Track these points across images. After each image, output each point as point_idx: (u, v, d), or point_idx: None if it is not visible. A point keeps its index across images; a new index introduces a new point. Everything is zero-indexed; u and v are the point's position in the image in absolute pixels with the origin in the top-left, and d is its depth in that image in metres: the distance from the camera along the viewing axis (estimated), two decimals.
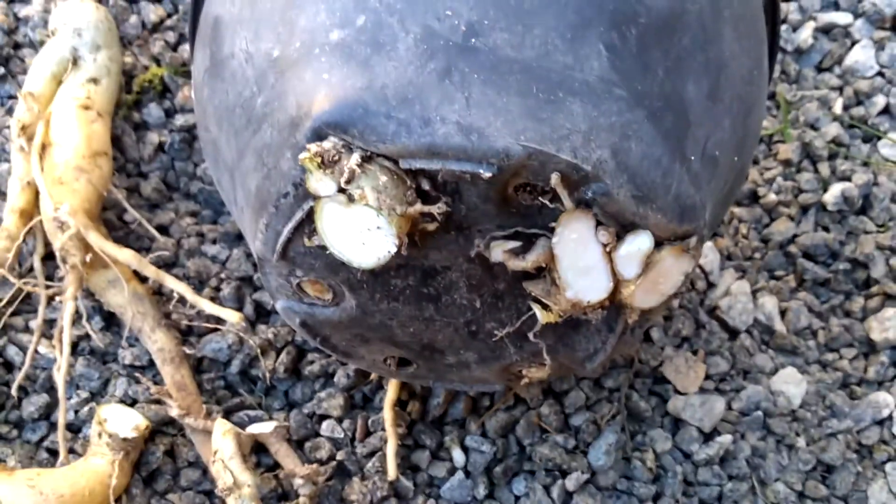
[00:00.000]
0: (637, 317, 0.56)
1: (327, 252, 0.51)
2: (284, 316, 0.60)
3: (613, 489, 0.79)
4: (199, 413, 0.77)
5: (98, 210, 0.82)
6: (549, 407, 0.80)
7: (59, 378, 0.76)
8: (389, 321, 0.59)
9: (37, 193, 0.81)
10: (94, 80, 0.86)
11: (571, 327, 0.59)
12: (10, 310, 0.82)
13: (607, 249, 0.50)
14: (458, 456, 0.79)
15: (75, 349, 0.82)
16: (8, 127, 0.90)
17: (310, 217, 0.50)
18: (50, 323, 0.82)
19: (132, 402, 0.80)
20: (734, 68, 0.55)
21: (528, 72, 0.47)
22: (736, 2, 0.56)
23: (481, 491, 0.78)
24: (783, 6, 1.02)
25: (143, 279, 0.82)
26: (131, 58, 0.94)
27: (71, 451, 0.79)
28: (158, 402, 0.80)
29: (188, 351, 0.81)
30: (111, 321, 0.84)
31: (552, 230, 0.50)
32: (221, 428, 0.72)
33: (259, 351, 0.81)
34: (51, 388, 0.81)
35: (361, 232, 0.49)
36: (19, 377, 0.79)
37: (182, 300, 0.79)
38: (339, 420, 0.81)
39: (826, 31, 1.00)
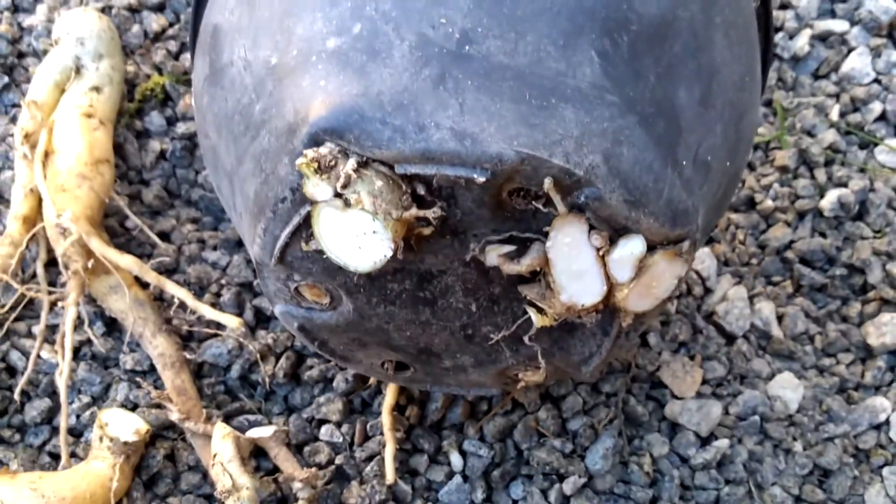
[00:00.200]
0: (631, 320, 0.56)
1: (324, 256, 0.52)
2: (283, 320, 0.61)
3: (611, 493, 0.79)
4: (200, 417, 0.78)
5: (100, 217, 0.83)
6: (546, 411, 0.81)
7: (61, 383, 0.77)
8: (386, 325, 0.60)
9: (40, 200, 0.82)
10: (97, 89, 0.87)
11: (567, 331, 0.59)
12: (14, 315, 0.83)
13: (600, 253, 0.51)
14: (456, 460, 0.80)
15: (77, 354, 0.83)
16: (12, 135, 0.91)
17: (307, 222, 0.51)
18: (52, 328, 0.83)
19: (133, 407, 0.81)
20: (726, 74, 0.55)
21: (521, 78, 0.48)
22: (727, 8, 0.56)
23: (479, 495, 0.79)
24: (780, 14, 1.03)
25: (144, 285, 0.83)
26: (133, 66, 0.96)
27: (73, 454, 0.79)
28: (159, 406, 0.80)
29: (189, 356, 0.81)
30: (113, 326, 0.85)
31: (546, 234, 0.51)
32: (221, 431, 0.73)
33: (259, 356, 0.81)
34: (53, 393, 0.82)
35: (358, 236, 0.50)
36: (22, 382, 0.79)
37: (183, 306, 0.80)
38: (338, 424, 0.81)
39: (822, 38, 1.01)
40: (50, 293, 0.81)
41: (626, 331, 0.58)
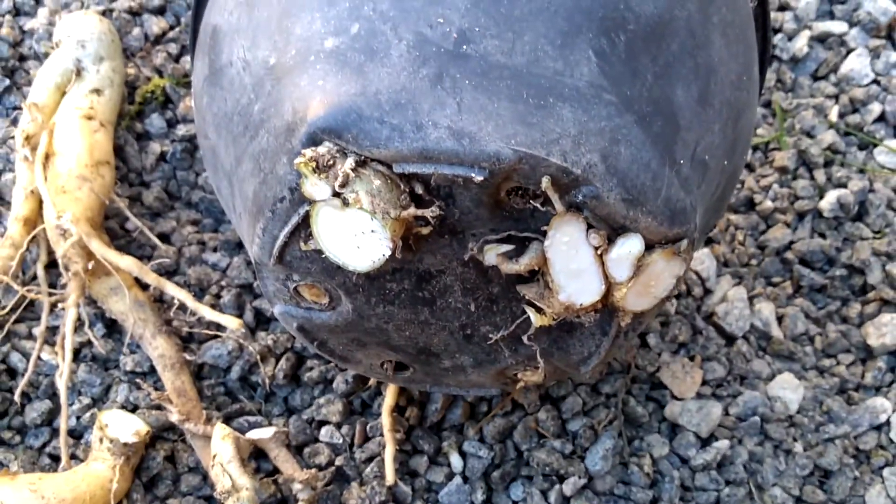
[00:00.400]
0: (630, 320, 0.56)
1: (323, 256, 0.52)
2: (282, 320, 0.61)
3: (611, 494, 0.79)
4: (200, 419, 0.78)
5: (100, 218, 0.83)
6: (546, 412, 0.81)
7: (62, 384, 0.77)
8: (385, 325, 0.60)
9: (40, 202, 0.82)
10: (97, 91, 0.88)
11: (565, 331, 0.59)
12: (14, 317, 0.83)
13: (598, 252, 0.51)
14: (455, 461, 0.80)
15: (77, 356, 0.83)
16: (13, 137, 0.91)
17: (305, 221, 0.51)
18: (52, 330, 0.83)
19: (133, 408, 0.81)
20: (723, 73, 0.56)
21: (519, 77, 0.48)
22: (724, 8, 0.56)
23: (479, 496, 0.79)
24: (778, 15, 1.03)
25: (144, 286, 0.83)
26: (134, 69, 0.96)
27: (73, 456, 0.79)
28: (159, 407, 0.80)
29: (189, 357, 0.81)
30: (113, 328, 0.85)
31: (544, 233, 0.51)
32: (220, 432, 0.73)
33: (259, 357, 0.81)
34: (53, 395, 0.82)
35: (356, 235, 0.50)
36: (22, 383, 0.79)
37: (183, 307, 0.80)
38: (338, 426, 0.81)
39: (821, 39, 1.01)
40: (50, 295, 0.81)
41: (624, 330, 0.58)
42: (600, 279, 0.52)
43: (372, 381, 0.82)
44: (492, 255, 0.53)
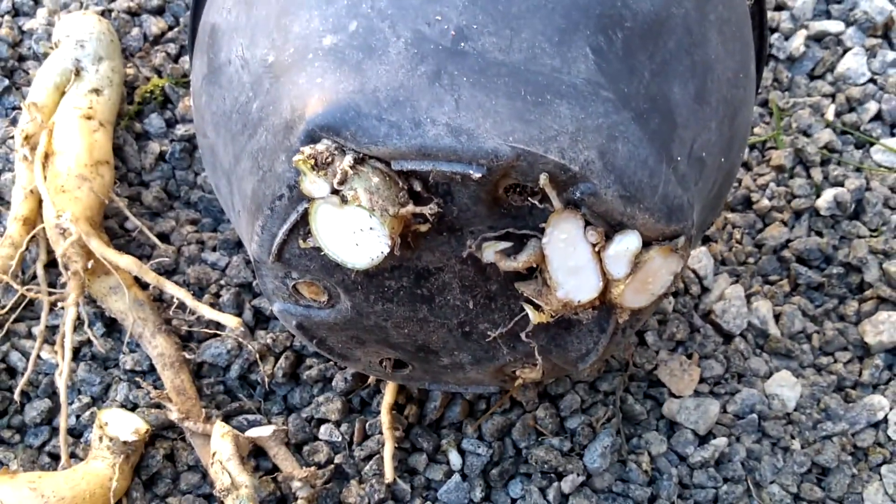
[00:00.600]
0: (627, 317, 0.57)
1: (322, 253, 0.52)
2: (281, 318, 0.61)
3: (609, 492, 0.80)
4: (199, 417, 0.78)
5: (100, 218, 0.83)
6: (544, 410, 0.81)
7: (61, 383, 0.77)
8: (384, 322, 0.60)
9: (40, 202, 0.82)
10: (97, 91, 0.88)
11: (563, 328, 0.59)
12: (14, 316, 0.83)
13: (596, 249, 0.51)
14: (454, 459, 0.80)
15: (77, 354, 0.83)
16: (12, 137, 0.91)
17: (304, 219, 0.51)
18: (52, 329, 0.84)
19: (133, 407, 0.81)
20: (720, 71, 0.56)
21: (517, 75, 0.49)
22: (721, 6, 0.57)
23: (478, 493, 0.79)
24: (775, 15, 1.03)
25: (143, 286, 0.83)
26: (133, 69, 0.96)
27: (72, 455, 0.80)
28: (158, 406, 0.81)
29: (188, 356, 0.82)
30: (112, 327, 0.85)
31: (542, 231, 0.51)
32: (220, 430, 0.73)
33: (258, 356, 0.82)
34: (53, 393, 0.82)
35: (355, 233, 0.50)
36: (22, 382, 0.80)
37: (182, 306, 0.80)
38: (337, 424, 0.81)
39: (818, 39, 1.02)
40: (50, 294, 0.81)
41: (622, 327, 0.58)
42: (598, 276, 0.53)
43: (371, 379, 0.83)
44: (490, 252, 0.53)
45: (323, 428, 0.81)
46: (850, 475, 0.81)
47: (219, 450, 0.72)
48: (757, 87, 0.71)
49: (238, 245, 0.89)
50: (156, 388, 0.81)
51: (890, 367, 0.86)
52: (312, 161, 0.48)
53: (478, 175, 0.48)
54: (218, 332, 0.83)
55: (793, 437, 0.83)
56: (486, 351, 0.62)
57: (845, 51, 1.01)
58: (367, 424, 0.81)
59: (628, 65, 0.51)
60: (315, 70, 0.50)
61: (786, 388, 0.84)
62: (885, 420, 0.84)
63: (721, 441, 0.81)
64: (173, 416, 0.78)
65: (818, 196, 0.93)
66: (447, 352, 0.63)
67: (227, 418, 0.81)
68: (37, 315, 0.85)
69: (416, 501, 0.79)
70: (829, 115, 0.97)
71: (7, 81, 0.94)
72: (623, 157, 0.50)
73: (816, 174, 0.94)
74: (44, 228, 0.81)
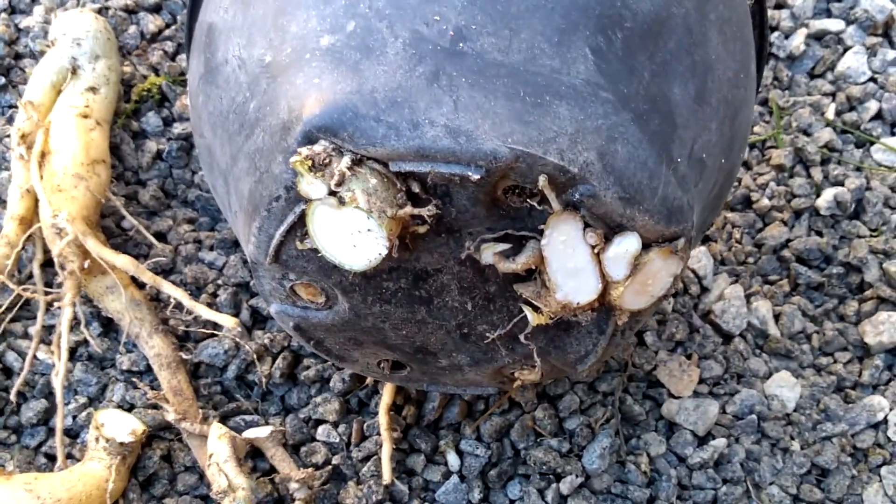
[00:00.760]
0: (627, 318, 0.56)
1: (319, 255, 0.52)
2: (278, 319, 0.61)
3: (608, 493, 0.79)
4: (196, 418, 0.78)
5: (96, 217, 0.83)
6: (543, 411, 0.81)
7: (58, 383, 0.77)
8: (382, 324, 0.59)
9: (36, 201, 0.82)
10: (93, 90, 0.87)
11: (562, 329, 0.59)
12: (10, 316, 0.83)
13: (595, 251, 0.51)
14: (453, 460, 0.80)
15: (73, 355, 0.83)
16: (8, 136, 0.91)
17: (301, 220, 0.51)
18: (48, 329, 0.83)
19: (129, 407, 0.81)
20: (721, 71, 0.55)
21: (516, 75, 0.48)
22: (722, 5, 0.56)
23: (476, 495, 0.78)
24: (775, 13, 1.03)
25: (140, 285, 0.83)
26: (130, 67, 0.96)
27: (69, 455, 0.79)
28: (155, 406, 0.80)
29: (185, 356, 0.81)
30: (109, 327, 0.84)
31: (541, 232, 0.50)
32: (217, 431, 0.73)
33: (255, 356, 0.81)
34: (49, 394, 0.82)
35: (352, 234, 0.49)
36: (18, 382, 0.79)
37: (179, 306, 0.80)
38: (335, 424, 0.81)
39: (818, 37, 1.01)
40: (46, 294, 0.81)
41: (621, 329, 0.58)
42: (597, 278, 0.52)
43: (369, 380, 0.82)
44: (489, 253, 0.53)
45: (320, 429, 0.81)
46: (850, 476, 0.81)
47: (216, 451, 0.71)
48: (757, 87, 0.71)
49: (235, 244, 0.89)
50: (153, 388, 0.81)
51: (890, 367, 0.86)
52: (310, 162, 0.48)
53: (476, 176, 0.47)
54: (215, 333, 0.83)
55: (792, 438, 0.83)
56: (485, 352, 0.62)
57: (846, 49, 1.01)
58: (365, 425, 0.81)
59: (628, 65, 0.50)
60: (312, 70, 0.49)
61: (785, 388, 0.84)
62: (885, 421, 0.83)
63: (720, 442, 0.81)
64: (170, 416, 0.77)
65: (818, 195, 0.93)
66: (445, 353, 0.63)
67: (224, 419, 0.80)
68: (33, 315, 0.84)
69: (414, 503, 0.79)
70: (830, 113, 0.97)
71: (3, 80, 0.94)
72: (623, 159, 0.49)
73: (816, 173, 0.94)
74: (40, 228, 0.81)
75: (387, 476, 0.76)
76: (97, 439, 0.75)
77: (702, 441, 0.82)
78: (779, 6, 1.03)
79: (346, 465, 0.79)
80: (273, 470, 0.78)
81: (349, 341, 0.63)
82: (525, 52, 0.49)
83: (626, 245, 0.51)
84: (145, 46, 0.97)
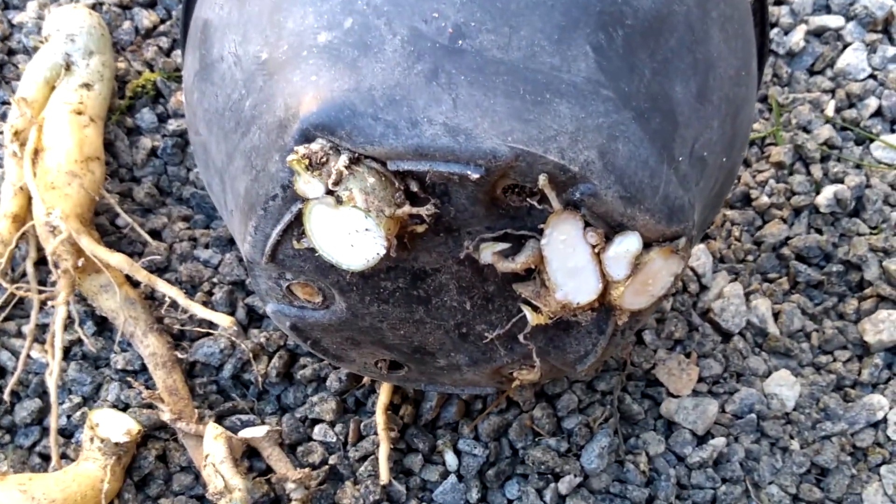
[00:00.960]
0: (627, 318, 0.56)
1: (316, 254, 0.51)
2: (275, 319, 0.60)
3: (606, 492, 0.79)
4: (192, 417, 0.77)
5: (90, 215, 0.82)
6: (541, 410, 0.80)
7: (52, 383, 0.76)
8: (380, 324, 0.59)
9: (29, 198, 0.81)
10: (87, 86, 0.86)
11: (562, 329, 0.59)
12: (3, 315, 0.82)
13: (596, 250, 0.50)
14: (450, 459, 0.79)
15: (67, 354, 0.82)
16: (1, 132, 0.90)
17: (298, 219, 0.50)
18: (42, 328, 0.83)
19: (124, 407, 0.80)
20: (722, 69, 0.55)
21: (515, 73, 0.48)
22: (723, 3, 0.56)
23: (474, 494, 0.78)
24: (775, 9, 1.02)
25: (135, 284, 0.82)
26: (124, 63, 0.95)
27: (63, 455, 0.79)
28: (150, 406, 0.80)
29: (180, 355, 0.81)
30: (103, 326, 0.84)
31: (541, 232, 0.50)
32: (213, 432, 0.72)
33: (251, 355, 0.81)
34: (43, 393, 0.81)
35: (350, 234, 0.49)
36: (11, 382, 0.79)
37: (174, 304, 0.79)
38: (332, 424, 0.80)
39: (818, 34, 1.01)
40: (40, 292, 0.80)
41: (621, 329, 0.57)
42: (597, 278, 0.52)
43: (366, 379, 0.82)
44: (488, 253, 0.52)
45: (317, 428, 0.80)
46: (850, 475, 0.81)
47: (212, 452, 0.71)
48: (758, 85, 0.70)
49: (231, 242, 0.88)
50: (148, 387, 0.80)
51: (889, 366, 0.86)
52: (307, 161, 0.47)
53: (476, 176, 0.47)
54: (211, 331, 0.82)
55: (792, 437, 0.82)
56: (484, 352, 0.62)
57: (845, 46, 1.00)
58: (362, 425, 0.80)
59: (629, 63, 0.50)
60: (309, 68, 0.49)
61: (785, 387, 0.83)
62: (885, 420, 0.83)
63: (719, 441, 0.80)
64: (165, 416, 0.77)
65: (818, 193, 0.92)
66: (444, 353, 0.62)
67: (220, 418, 0.80)
68: (27, 314, 0.84)
69: (411, 502, 0.78)
70: (829, 111, 0.97)
71: None
72: (624, 158, 0.49)
73: (816, 171, 0.93)
74: (34, 226, 0.80)
75: (384, 476, 0.76)
76: (92, 439, 0.74)
77: (701, 440, 0.81)
78: (778, 2, 1.03)
79: (343, 464, 0.79)
80: (269, 470, 0.77)
81: (346, 341, 0.62)
82: (525, 50, 0.48)
83: (627, 244, 0.50)
84: (140, 42, 0.96)
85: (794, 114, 0.96)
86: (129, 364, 0.82)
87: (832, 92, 0.98)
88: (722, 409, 0.83)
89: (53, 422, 0.76)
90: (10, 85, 0.94)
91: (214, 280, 0.85)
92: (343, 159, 0.47)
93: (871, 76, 0.99)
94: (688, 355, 0.85)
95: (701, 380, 0.84)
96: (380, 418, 0.77)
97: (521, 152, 0.46)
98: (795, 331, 0.87)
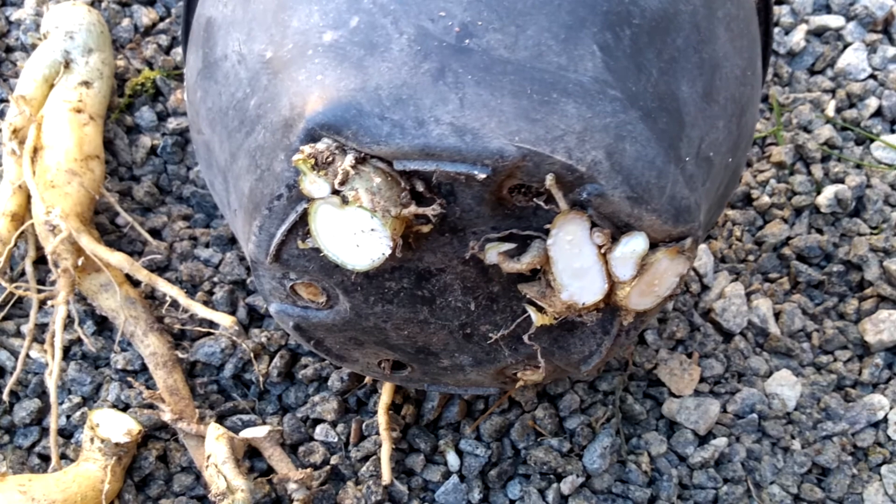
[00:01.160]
0: (632, 319, 0.56)
1: (321, 254, 0.51)
2: (278, 319, 0.60)
3: (608, 492, 0.79)
4: (192, 418, 0.77)
5: (90, 213, 0.81)
6: (543, 410, 0.80)
7: (51, 383, 0.76)
8: (383, 324, 0.59)
9: (28, 197, 0.80)
10: (86, 84, 0.86)
11: (566, 330, 0.58)
12: (2, 314, 0.82)
13: (602, 251, 0.50)
14: (452, 460, 0.79)
15: (67, 353, 0.82)
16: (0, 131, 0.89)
17: (303, 219, 0.50)
18: (42, 327, 0.82)
19: (124, 407, 0.80)
20: (728, 69, 0.55)
21: (522, 72, 0.47)
22: (729, 2, 0.56)
23: (476, 495, 0.78)
24: (775, 9, 1.02)
25: (135, 283, 0.82)
26: (123, 61, 0.94)
27: (63, 456, 0.78)
28: (151, 406, 0.79)
29: (181, 355, 0.80)
30: (103, 325, 0.83)
31: (547, 232, 0.50)
32: (214, 432, 0.72)
33: (252, 355, 0.80)
34: (42, 393, 0.81)
35: (355, 234, 0.49)
36: (11, 382, 0.78)
37: (175, 304, 0.79)
38: (333, 424, 0.80)
39: (818, 33, 1.01)
40: (39, 291, 0.80)
41: (626, 329, 0.57)
42: (603, 278, 0.52)
43: (367, 379, 0.81)
44: (493, 253, 0.52)
45: (319, 428, 0.80)
46: (851, 475, 0.81)
47: (214, 453, 0.70)
48: (762, 84, 0.70)
49: (231, 241, 0.87)
50: (148, 387, 0.80)
51: (890, 366, 0.86)
52: (312, 160, 0.47)
53: (482, 175, 0.47)
54: (211, 331, 0.82)
55: (793, 437, 0.82)
56: (488, 353, 0.61)
57: (845, 46, 1.00)
58: (364, 425, 0.80)
59: (636, 62, 0.50)
60: (315, 67, 0.48)
61: (786, 387, 0.83)
62: (885, 420, 0.83)
63: (721, 441, 0.80)
64: (166, 416, 0.76)
65: (818, 193, 0.92)
66: (447, 353, 0.62)
67: (220, 418, 0.80)
68: (26, 313, 0.83)
69: (413, 503, 0.78)
70: (830, 110, 0.97)
71: None
72: (631, 158, 0.48)
73: (817, 171, 0.93)
74: (33, 224, 0.79)
75: (386, 476, 0.75)
76: (92, 440, 0.74)
77: (702, 440, 0.81)
78: (779, 2, 1.03)
79: (345, 464, 0.79)
80: (271, 470, 0.77)
81: (350, 341, 0.62)
82: (532, 49, 0.48)
83: (634, 245, 0.50)
84: (139, 40, 0.96)
85: (795, 113, 0.96)
86: (129, 364, 0.81)
87: (832, 92, 0.98)
88: (723, 409, 0.83)
89: (53, 422, 0.76)
90: (9, 83, 0.93)
91: (215, 279, 0.85)
92: (349, 159, 0.47)
93: (872, 76, 0.99)
94: (689, 355, 0.84)
95: (702, 380, 0.84)
96: (381, 418, 0.77)
97: (528, 152, 0.46)
98: (796, 331, 0.87)
